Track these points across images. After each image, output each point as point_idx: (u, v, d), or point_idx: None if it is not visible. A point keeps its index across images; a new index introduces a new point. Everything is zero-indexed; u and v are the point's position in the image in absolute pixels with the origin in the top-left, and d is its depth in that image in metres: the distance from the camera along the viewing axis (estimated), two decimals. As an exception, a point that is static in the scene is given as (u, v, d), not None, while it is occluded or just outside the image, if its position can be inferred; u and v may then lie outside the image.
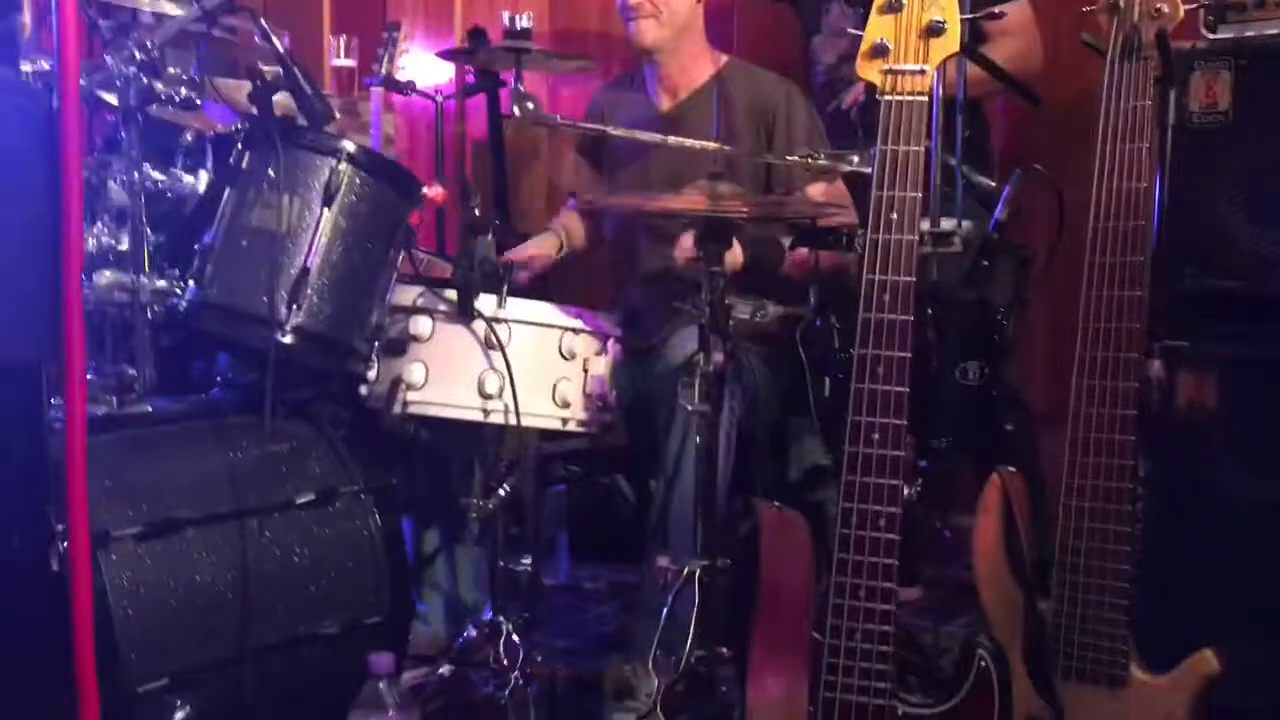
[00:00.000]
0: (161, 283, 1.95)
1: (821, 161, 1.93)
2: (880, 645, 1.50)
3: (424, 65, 3.26)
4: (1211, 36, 2.20)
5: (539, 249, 2.81)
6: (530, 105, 1.94)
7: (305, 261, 1.97)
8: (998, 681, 1.50)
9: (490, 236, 2.11)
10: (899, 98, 1.53)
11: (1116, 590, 1.67)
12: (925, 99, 1.53)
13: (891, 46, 1.53)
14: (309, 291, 1.97)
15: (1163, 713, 1.64)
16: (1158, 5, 1.72)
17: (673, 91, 2.76)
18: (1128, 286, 1.71)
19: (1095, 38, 1.76)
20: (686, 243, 2.39)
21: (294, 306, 1.96)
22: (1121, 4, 1.74)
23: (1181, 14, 1.72)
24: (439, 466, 2.46)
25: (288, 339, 1.97)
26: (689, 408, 1.94)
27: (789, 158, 1.92)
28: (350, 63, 3.20)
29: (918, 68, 1.53)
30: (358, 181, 2.02)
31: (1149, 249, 1.74)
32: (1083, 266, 1.74)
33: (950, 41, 1.53)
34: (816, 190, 2.62)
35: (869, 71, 1.55)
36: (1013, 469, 1.77)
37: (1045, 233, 2.28)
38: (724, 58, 2.75)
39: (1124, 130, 1.73)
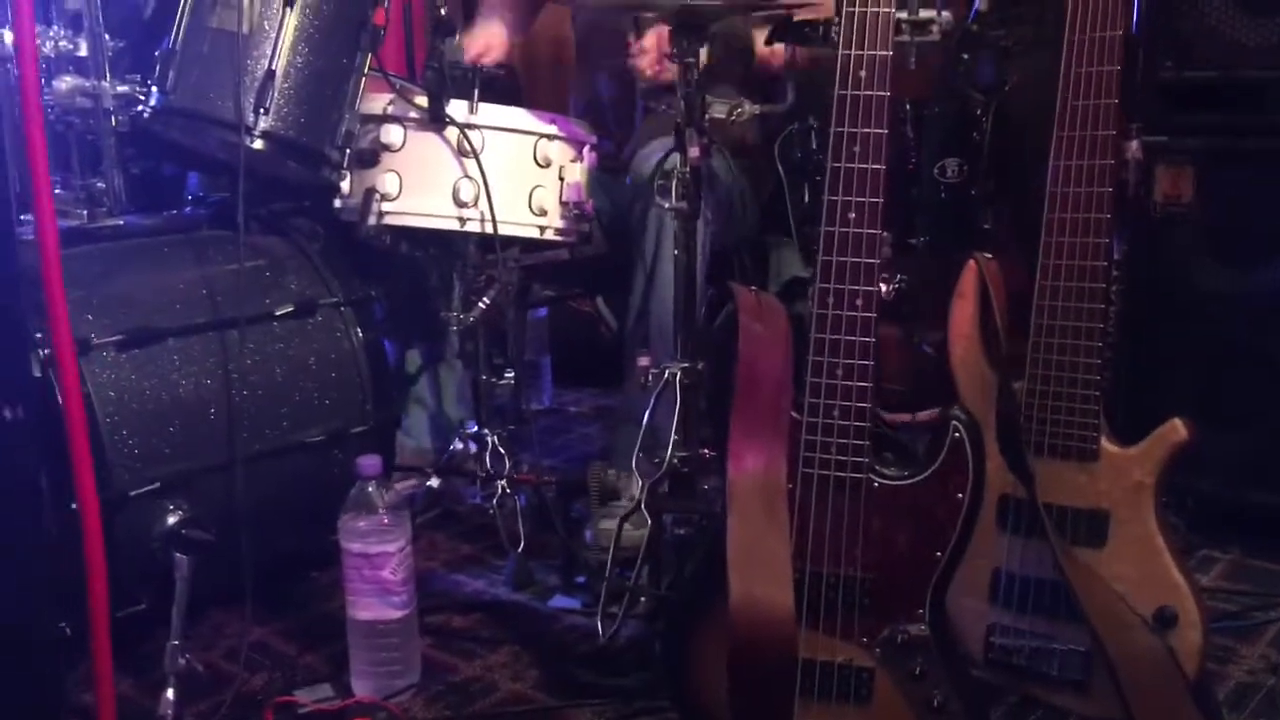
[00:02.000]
0: (124, 88, 1.90)
1: None
2: (857, 421, 1.52)
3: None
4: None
5: (490, 37, 2.69)
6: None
7: (270, 63, 1.93)
8: (972, 452, 1.53)
9: (458, 38, 2.06)
10: (860, 8, 1.48)
11: (1089, 367, 1.69)
12: (889, 11, 1.47)
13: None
14: (276, 95, 1.93)
15: (1133, 481, 1.68)
16: None
17: None
18: (1105, 61, 1.68)
19: None
20: (648, 43, 2.35)
21: (261, 111, 1.92)
22: None
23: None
24: (418, 280, 2.46)
25: (257, 144, 1.94)
26: (665, 205, 1.92)
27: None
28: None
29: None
30: (319, -21, 1.96)
31: (1128, 25, 1.70)
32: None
33: None
34: None
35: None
36: (989, 255, 1.78)
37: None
38: None
39: (1091, 22, 1.68)
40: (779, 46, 2.23)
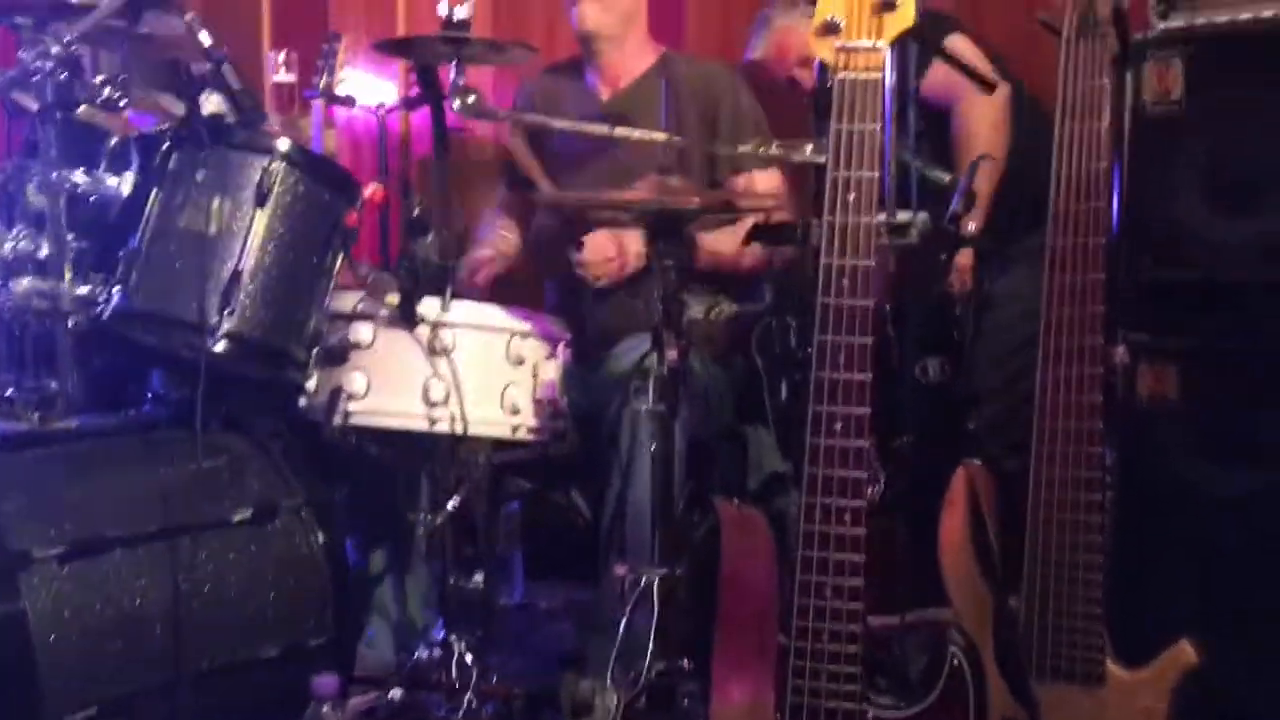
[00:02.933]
0: (84, 289, 1.84)
1: (774, 151, 1.87)
2: (848, 646, 1.43)
3: (366, 82, 3.19)
4: (1162, 25, 2.17)
5: (478, 263, 2.73)
6: (471, 99, 1.87)
7: (237, 264, 1.88)
8: (972, 680, 1.43)
9: (432, 237, 2.03)
10: (853, 75, 1.47)
11: (1089, 584, 1.62)
12: (879, 76, 1.47)
13: (843, 23, 1.48)
14: (242, 295, 1.88)
15: (1141, 708, 1.58)
16: (1112, -20, 1.68)
17: (613, 82, 2.68)
18: (1089, 270, 1.66)
19: (1051, 17, 1.72)
20: (590, 255, 2.36)
21: (226, 311, 1.87)
22: (1075, -18, 1.70)
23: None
24: (384, 482, 2.37)
25: (220, 346, 1.87)
26: (643, 409, 1.86)
27: (740, 148, 1.86)
28: (291, 78, 3.10)
29: (871, 44, 1.47)
30: (292, 181, 1.94)
31: (1110, 231, 1.69)
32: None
33: (904, 17, 1.47)
34: (764, 181, 2.57)
35: (821, 49, 1.50)
36: (978, 461, 1.72)
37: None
38: (662, 48, 2.70)
39: (1082, 109, 1.69)
40: (753, 246, 2.22)
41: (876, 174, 1.47)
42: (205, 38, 1.88)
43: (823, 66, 1.90)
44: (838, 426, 1.46)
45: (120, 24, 1.89)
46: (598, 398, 2.40)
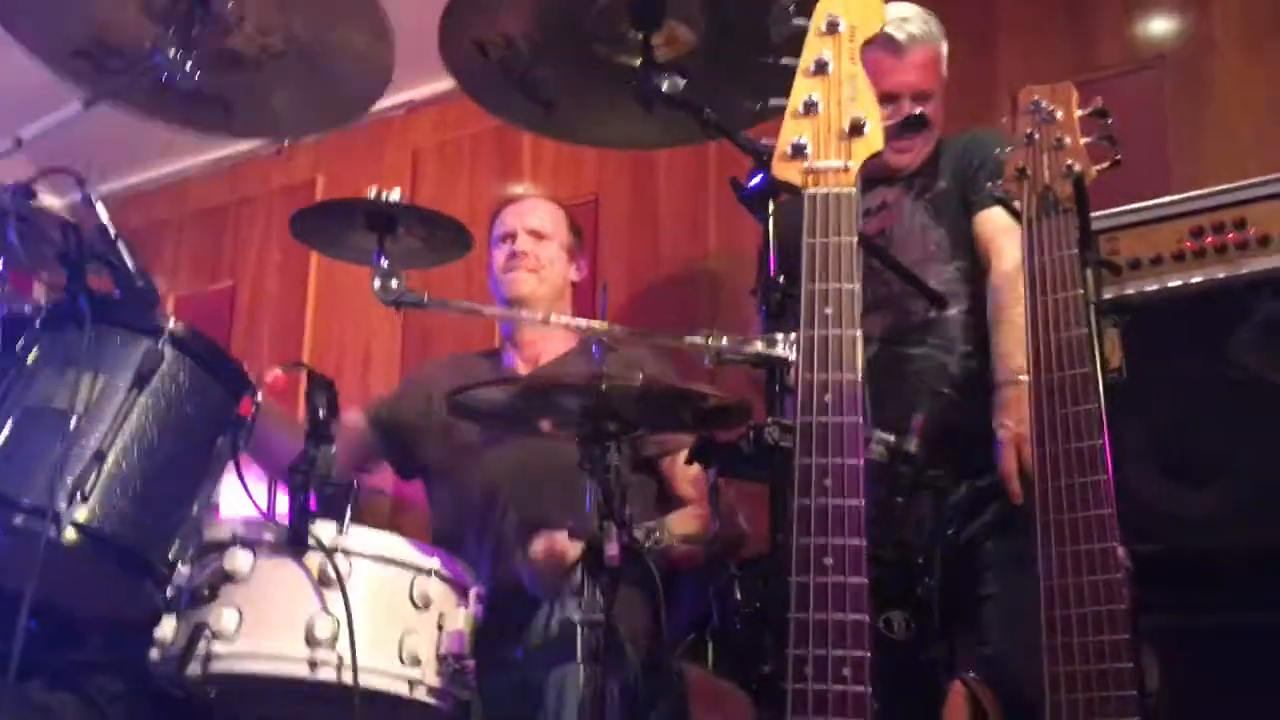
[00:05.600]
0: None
1: (724, 342, 1.72)
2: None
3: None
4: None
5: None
6: (394, 283, 1.71)
7: (101, 446, 1.60)
8: None
9: (334, 447, 1.78)
10: (824, 190, 1.37)
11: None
12: (851, 191, 1.37)
13: (810, 145, 1.39)
14: (102, 481, 1.59)
15: None
16: (1067, 163, 1.65)
17: (533, 360, 2.58)
18: (1083, 437, 1.50)
19: (1009, 195, 1.67)
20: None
21: (79, 495, 1.56)
22: (1030, 171, 1.67)
23: (1093, 172, 1.65)
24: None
25: (67, 534, 1.54)
26: (575, 618, 1.56)
27: (690, 339, 1.70)
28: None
29: (840, 164, 1.38)
30: (178, 366, 1.70)
31: (1099, 394, 1.55)
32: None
33: (873, 140, 1.40)
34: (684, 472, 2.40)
35: (787, 172, 1.40)
36: (974, 675, 1.45)
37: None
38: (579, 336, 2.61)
39: (1051, 281, 1.60)
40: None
41: (855, 286, 1.33)
42: (102, 212, 1.72)
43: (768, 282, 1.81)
44: (828, 561, 1.21)
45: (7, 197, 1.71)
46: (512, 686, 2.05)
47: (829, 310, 1.31)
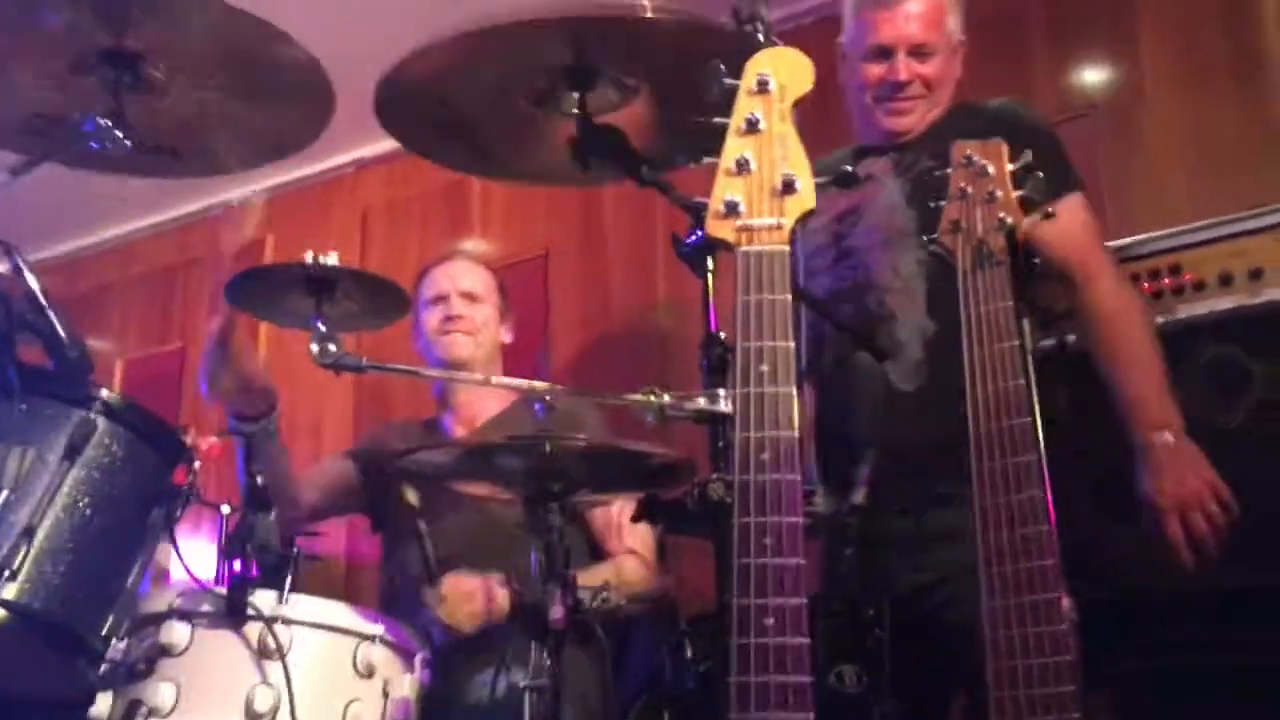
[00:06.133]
0: None
1: (666, 399, 1.71)
2: None
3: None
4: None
5: None
6: (331, 346, 1.69)
7: (30, 521, 1.56)
8: None
9: (274, 515, 1.76)
10: (757, 248, 1.37)
11: None
12: (785, 249, 1.37)
13: (744, 203, 1.40)
14: (32, 557, 1.55)
15: None
16: (999, 216, 1.67)
17: (469, 422, 2.57)
18: (1025, 487, 1.50)
19: (943, 247, 1.69)
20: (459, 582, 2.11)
21: (5, 572, 1.52)
22: (964, 223, 1.69)
23: (1025, 224, 1.67)
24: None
25: (-4, 612, 1.50)
26: (521, 684, 1.54)
27: (632, 397, 1.70)
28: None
29: (773, 221, 1.39)
30: (112, 437, 1.67)
31: (1037, 449, 1.55)
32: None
33: (805, 199, 1.40)
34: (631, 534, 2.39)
35: (721, 230, 1.40)
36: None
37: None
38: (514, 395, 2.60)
39: (988, 333, 1.61)
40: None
41: (789, 344, 1.33)
42: (32, 281, 1.69)
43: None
44: (769, 621, 1.20)
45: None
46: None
47: (764, 368, 1.31)
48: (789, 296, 1.35)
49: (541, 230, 3.46)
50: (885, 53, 2.15)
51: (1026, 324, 1.69)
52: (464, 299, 2.59)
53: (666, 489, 1.80)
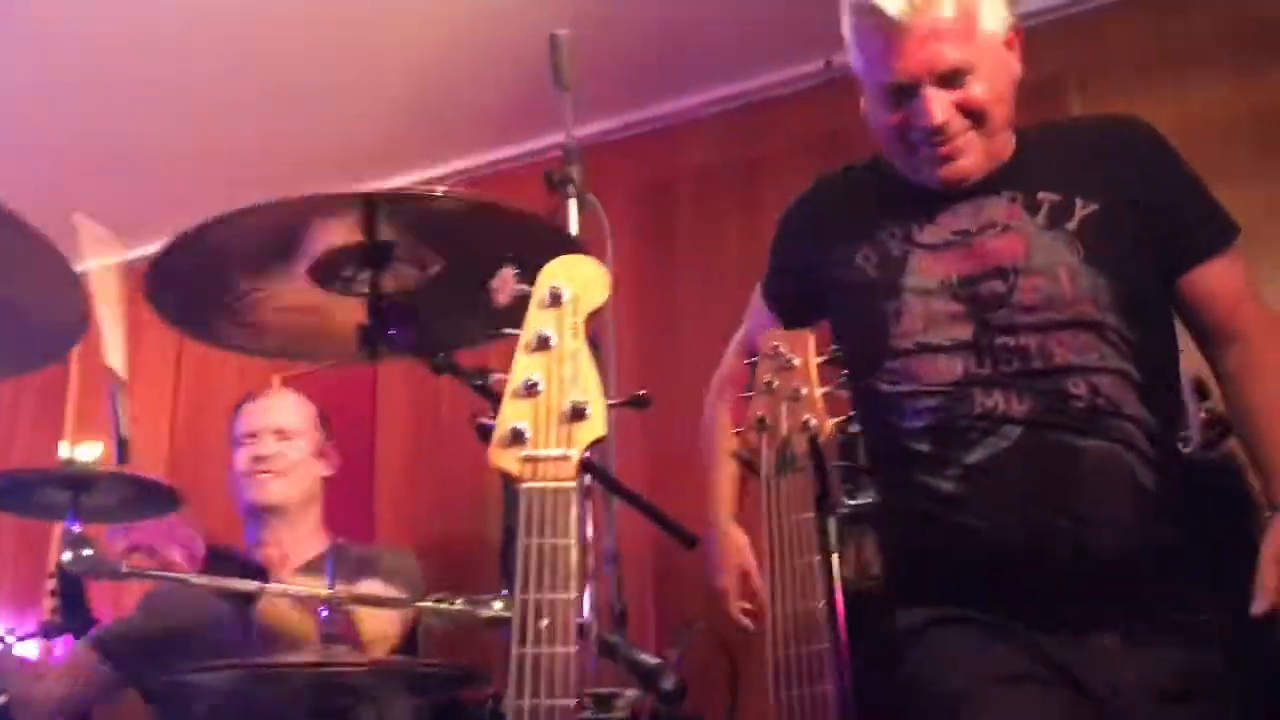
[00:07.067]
0: None
1: (458, 607, 1.61)
2: None
3: None
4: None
5: None
6: (86, 552, 1.54)
7: None
8: None
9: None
10: (541, 484, 1.29)
11: None
12: (572, 485, 1.29)
13: (530, 430, 1.31)
14: None
15: None
16: (804, 419, 1.62)
17: (282, 563, 2.41)
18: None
19: (749, 452, 1.63)
20: None
21: None
22: (769, 420, 1.64)
23: (829, 428, 1.62)
24: None
25: None
26: None
27: (424, 602, 1.59)
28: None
29: (560, 452, 1.30)
30: None
31: (834, 676, 1.49)
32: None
33: (595, 425, 1.32)
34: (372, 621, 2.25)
35: (504, 460, 1.31)
36: None
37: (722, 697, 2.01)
38: (337, 537, 2.46)
39: (789, 547, 1.55)
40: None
41: (572, 596, 1.24)
42: None
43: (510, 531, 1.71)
44: None
45: None
46: None
47: (544, 623, 1.22)
48: (572, 541, 1.26)
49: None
50: (906, 91, 1.67)
51: (832, 528, 1.64)
52: (275, 436, 2.45)
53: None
